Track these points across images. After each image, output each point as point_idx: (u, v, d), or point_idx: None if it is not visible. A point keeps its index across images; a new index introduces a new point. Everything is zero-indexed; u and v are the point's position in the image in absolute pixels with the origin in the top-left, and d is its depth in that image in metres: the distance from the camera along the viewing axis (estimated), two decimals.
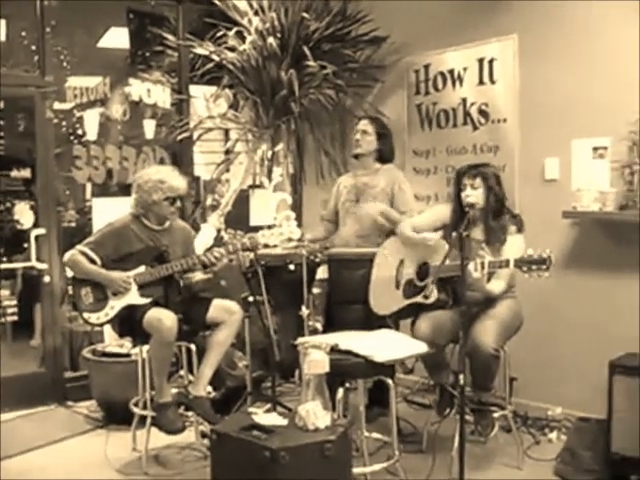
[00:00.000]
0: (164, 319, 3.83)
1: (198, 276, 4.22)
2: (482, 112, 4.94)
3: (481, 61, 4.90)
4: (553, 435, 4.31)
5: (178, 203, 4.18)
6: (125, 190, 4.53)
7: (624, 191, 4.10)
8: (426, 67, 5.26)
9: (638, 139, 4.03)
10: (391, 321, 4.10)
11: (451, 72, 5.10)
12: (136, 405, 4.21)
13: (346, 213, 4.75)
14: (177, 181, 4.15)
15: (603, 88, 4.25)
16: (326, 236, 4.93)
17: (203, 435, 4.22)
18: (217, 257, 4.00)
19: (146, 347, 4.00)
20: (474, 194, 3.90)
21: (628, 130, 4.03)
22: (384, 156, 4.70)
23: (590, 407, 4.05)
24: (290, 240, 4.12)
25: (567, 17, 4.41)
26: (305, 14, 5.24)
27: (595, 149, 4.30)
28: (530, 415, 4.50)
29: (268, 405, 4.04)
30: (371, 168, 4.69)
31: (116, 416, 4.62)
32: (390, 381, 3.53)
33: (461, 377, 3.16)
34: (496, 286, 3.80)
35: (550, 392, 4.51)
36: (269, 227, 4.05)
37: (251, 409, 3.28)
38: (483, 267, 3.54)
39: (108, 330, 5.08)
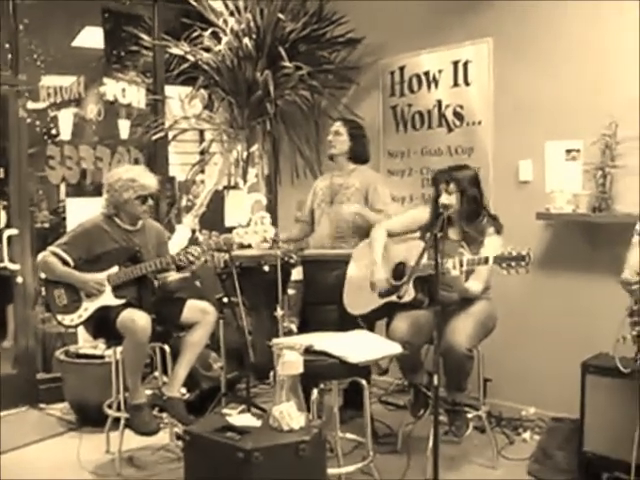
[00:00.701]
0: (137, 320, 3.80)
1: (172, 276, 4.20)
2: (457, 114, 4.96)
3: (456, 63, 4.93)
4: (527, 435, 4.34)
5: (150, 202, 4.14)
6: (99, 190, 4.48)
7: (597, 193, 4.14)
8: (401, 69, 5.28)
9: (610, 142, 4.07)
10: (366, 321, 4.09)
11: (426, 74, 5.12)
12: (110, 407, 4.19)
13: (321, 214, 4.75)
14: (148, 179, 4.12)
15: (576, 91, 4.29)
16: (301, 237, 4.94)
17: (177, 436, 4.19)
18: (190, 257, 3.98)
19: (120, 348, 3.97)
20: (449, 198, 3.91)
21: (600, 133, 4.07)
22: (358, 156, 4.70)
23: (563, 407, 4.06)
24: (265, 240, 4.11)
25: (541, 20, 4.44)
26: (281, 15, 5.24)
27: (568, 151, 4.33)
28: (504, 415, 4.52)
29: (242, 406, 4.03)
30: (345, 169, 4.69)
31: (89, 418, 4.59)
32: (364, 382, 3.54)
33: (435, 378, 3.15)
34: (474, 285, 3.81)
35: (524, 392, 4.54)
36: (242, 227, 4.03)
37: (225, 410, 3.28)
38: (462, 264, 3.54)
39: (82, 331, 5.03)
